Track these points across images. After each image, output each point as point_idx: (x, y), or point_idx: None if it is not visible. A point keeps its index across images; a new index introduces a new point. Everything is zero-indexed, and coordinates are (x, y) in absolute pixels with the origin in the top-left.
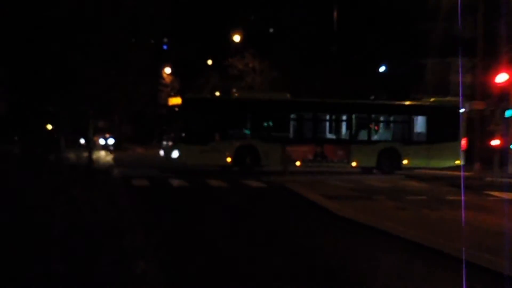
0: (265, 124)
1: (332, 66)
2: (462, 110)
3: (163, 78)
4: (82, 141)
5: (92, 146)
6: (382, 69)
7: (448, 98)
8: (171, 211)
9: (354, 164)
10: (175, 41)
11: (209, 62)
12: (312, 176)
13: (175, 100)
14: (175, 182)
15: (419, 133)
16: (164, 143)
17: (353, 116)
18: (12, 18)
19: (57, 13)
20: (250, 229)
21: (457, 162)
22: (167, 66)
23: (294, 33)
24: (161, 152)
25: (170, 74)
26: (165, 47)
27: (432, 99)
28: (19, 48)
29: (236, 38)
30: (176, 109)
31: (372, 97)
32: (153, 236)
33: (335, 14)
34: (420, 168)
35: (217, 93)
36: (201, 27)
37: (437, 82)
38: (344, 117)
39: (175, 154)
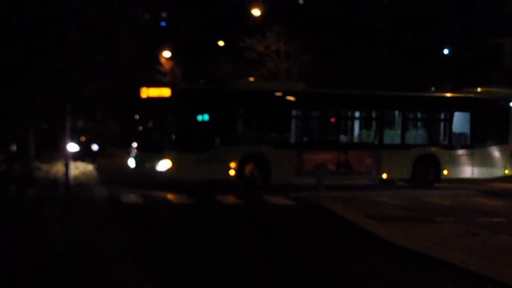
0: (276, 124)
1: (380, 47)
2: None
3: (161, 64)
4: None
5: (67, 153)
6: (446, 51)
7: (495, 89)
8: (171, 239)
9: (384, 176)
10: (177, 16)
11: (220, 43)
12: (351, 191)
13: (162, 91)
14: (175, 199)
15: (461, 135)
16: (135, 149)
17: (384, 113)
18: None
19: None
20: (277, 265)
21: (507, 171)
22: (166, 49)
23: (331, 4)
24: (131, 163)
25: (170, 59)
26: (163, 23)
27: (479, 89)
28: None
29: (256, 12)
30: (163, 103)
31: (433, 89)
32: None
33: None
34: (462, 179)
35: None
36: None
37: None
38: (371, 114)
39: (162, 165)
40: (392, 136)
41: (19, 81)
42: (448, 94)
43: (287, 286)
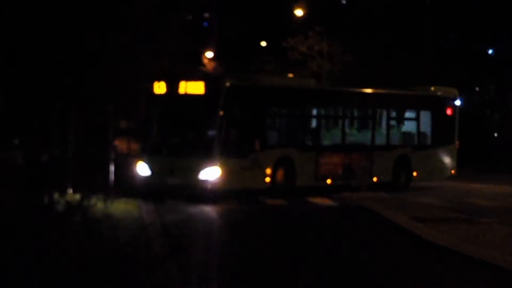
0: (299, 125)
1: (424, 48)
2: (458, 103)
3: (204, 65)
4: None
5: (111, 156)
6: (490, 51)
7: (444, 88)
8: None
9: (375, 179)
10: (219, 16)
11: (263, 43)
12: (392, 194)
13: (197, 87)
14: (224, 209)
15: (424, 134)
16: (149, 154)
17: (377, 112)
18: None
19: None
20: (322, 265)
21: (453, 171)
22: (208, 49)
23: (374, 5)
24: (142, 170)
25: (213, 59)
26: (206, 24)
27: (432, 88)
28: (18, 25)
29: (299, 12)
30: (206, 100)
31: (477, 89)
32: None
33: None
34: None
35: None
36: None
37: None
38: (366, 113)
39: (209, 174)
40: (380, 136)
41: (63, 83)
42: (414, 92)
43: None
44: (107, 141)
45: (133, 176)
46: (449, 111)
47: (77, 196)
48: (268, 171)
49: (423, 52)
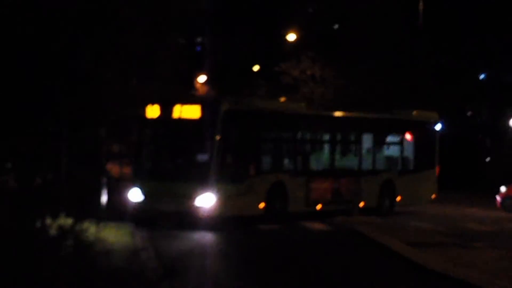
0: (290, 149)
1: (416, 71)
2: (438, 127)
3: (196, 89)
4: None
5: (107, 181)
6: (481, 76)
7: (425, 112)
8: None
9: (361, 204)
10: (212, 41)
11: (255, 68)
12: (386, 219)
13: (193, 110)
14: (221, 238)
15: (407, 159)
16: (143, 179)
17: (364, 136)
18: None
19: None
20: None
21: (434, 196)
22: (201, 73)
23: (366, 30)
24: (134, 195)
25: (205, 83)
26: (198, 48)
27: (414, 112)
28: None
29: (291, 37)
30: (202, 123)
31: (469, 113)
32: None
33: (420, 4)
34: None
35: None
36: (245, 23)
37: None
38: (353, 137)
39: (205, 200)
40: (366, 161)
41: (54, 105)
42: (398, 117)
43: None
44: (100, 165)
45: (125, 201)
46: (430, 136)
47: (70, 220)
48: (262, 196)
49: (416, 76)
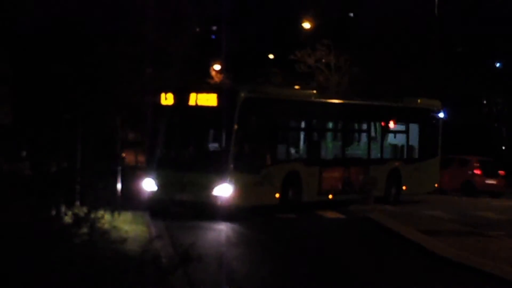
0: (304, 138)
1: (431, 59)
2: (441, 115)
3: (212, 77)
4: None
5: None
6: (497, 64)
7: (422, 100)
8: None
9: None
10: (227, 29)
11: (271, 56)
12: (399, 207)
13: (211, 98)
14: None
15: (412, 147)
16: (155, 168)
17: (373, 124)
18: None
19: None
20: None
21: (436, 185)
22: (216, 62)
23: (381, 18)
24: (148, 185)
25: (220, 72)
26: (214, 37)
27: (419, 100)
28: (26, 36)
29: (306, 25)
30: (221, 111)
31: (485, 101)
32: None
33: None
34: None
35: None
36: (260, 11)
37: None
38: (363, 126)
39: (223, 190)
40: (375, 150)
41: (71, 93)
42: (405, 105)
43: None
44: (115, 153)
45: (139, 190)
46: (434, 124)
47: (85, 208)
48: (278, 186)
49: (431, 64)
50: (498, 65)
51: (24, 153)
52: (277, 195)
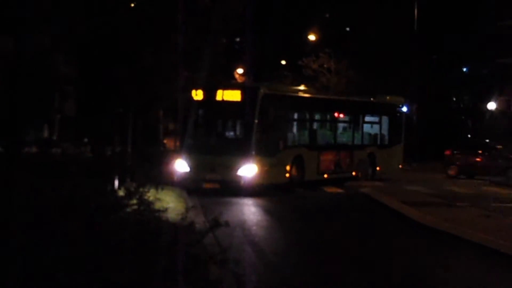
0: (307, 127)
1: (411, 65)
2: (404, 109)
3: (235, 79)
4: None
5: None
6: (464, 69)
7: (390, 97)
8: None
9: (354, 173)
10: (248, 40)
11: (283, 62)
12: (386, 183)
13: (238, 94)
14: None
15: (383, 135)
16: (187, 152)
17: (358, 116)
18: (83, 15)
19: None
20: (331, 238)
21: (400, 166)
22: (239, 66)
23: (372, 32)
24: (181, 167)
25: (243, 75)
26: (237, 46)
27: (388, 97)
28: (89, 45)
29: (311, 37)
30: (244, 105)
31: (454, 99)
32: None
33: (415, 12)
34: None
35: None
36: (275, 26)
37: None
38: (350, 118)
39: (248, 170)
40: (357, 137)
41: (124, 92)
42: (380, 100)
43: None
44: (158, 140)
45: (175, 170)
46: (399, 116)
47: (134, 184)
48: (288, 167)
49: (410, 69)
50: (465, 69)
51: (86, 140)
52: (287, 175)
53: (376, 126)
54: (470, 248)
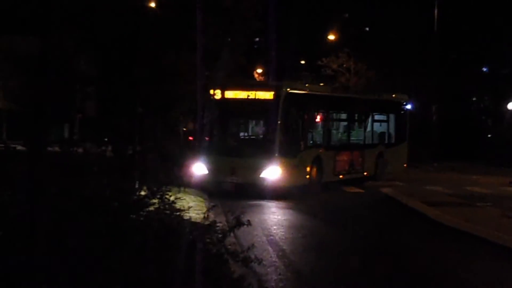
0: (325, 127)
1: (431, 65)
2: (409, 106)
3: (255, 78)
4: None
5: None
6: (484, 69)
7: (396, 95)
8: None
9: (366, 173)
10: (268, 40)
11: (302, 62)
12: (405, 183)
13: (261, 94)
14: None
15: (391, 134)
16: (206, 154)
17: (369, 114)
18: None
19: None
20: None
21: (405, 165)
22: (259, 66)
23: (391, 32)
24: (199, 169)
25: (262, 74)
26: (255, 46)
27: (393, 95)
28: (110, 46)
29: (331, 37)
30: (267, 105)
31: (474, 99)
32: None
33: (435, 12)
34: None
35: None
36: (294, 26)
37: None
38: (362, 116)
39: (271, 173)
40: (368, 137)
41: (144, 92)
42: (388, 98)
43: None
44: (178, 140)
45: (192, 173)
46: (404, 114)
47: (155, 184)
48: (308, 169)
49: (430, 69)
50: (485, 69)
51: (106, 139)
52: (308, 176)
53: (385, 124)
54: (491, 249)
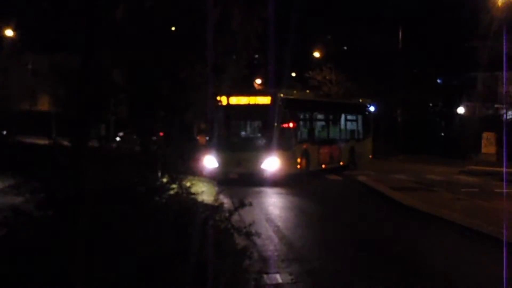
0: (311, 125)
1: (397, 77)
2: (372, 109)
3: (255, 87)
4: None
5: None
6: (439, 81)
7: (362, 99)
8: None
9: (341, 163)
10: (266, 56)
11: (293, 74)
12: (375, 172)
13: (261, 99)
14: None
15: (359, 131)
16: (215, 149)
17: (343, 115)
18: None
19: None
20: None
21: (371, 156)
22: (258, 77)
23: (365, 50)
24: (210, 163)
25: (261, 84)
26: (255, 61)
27: (360, 100)
28: (138, 63)
29: (316, 54)
30: (268, 108)
31: (430, 104)
32: None
33: (400, 34)
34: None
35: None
36: (287, 45)
37: (486, 92)
38: (338, 116)
39: (271, 164)
40: (343, 133)
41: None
42: (359, 102)
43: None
44: (193, 137)
45: (204, 165)
46: (369, 114)
47: (175, 172)
48: (299, 160)
49: (396, 80)
50: (439, 81)
51: (135, 136)
52: (298, 166)
53: (354, 123)
54: (444, 225)
